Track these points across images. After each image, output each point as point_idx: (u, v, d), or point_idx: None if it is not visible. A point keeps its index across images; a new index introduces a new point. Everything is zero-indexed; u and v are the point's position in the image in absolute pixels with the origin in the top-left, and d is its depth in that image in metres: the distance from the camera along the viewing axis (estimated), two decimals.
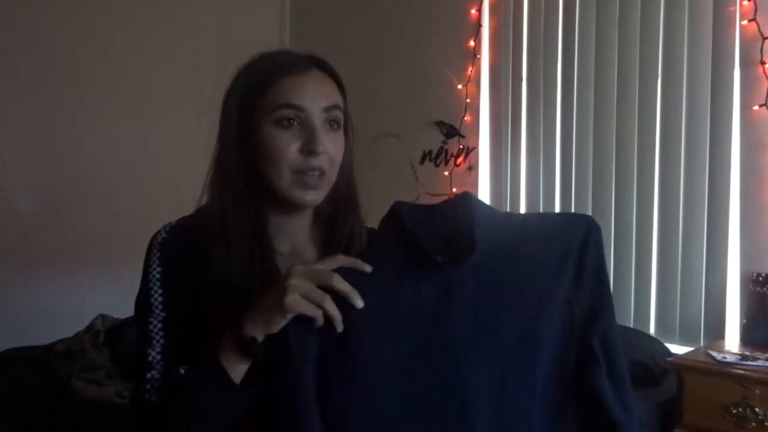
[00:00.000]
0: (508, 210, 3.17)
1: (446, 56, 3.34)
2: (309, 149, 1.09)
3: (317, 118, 1.11)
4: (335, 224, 1.21)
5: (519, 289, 0.96)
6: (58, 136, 3.15)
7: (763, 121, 2.52)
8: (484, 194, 3.29)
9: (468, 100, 3.28)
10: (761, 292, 2.49)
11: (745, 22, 2.54)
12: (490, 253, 0.96)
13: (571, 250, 0.98)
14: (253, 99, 1.12)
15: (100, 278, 3.13)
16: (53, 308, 2.99)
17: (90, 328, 2.65)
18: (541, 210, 3.07)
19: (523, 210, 3.14)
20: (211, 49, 3.53)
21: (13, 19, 3.01)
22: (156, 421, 1.02)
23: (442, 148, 3.37)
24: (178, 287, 1.08)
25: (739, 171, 2.58)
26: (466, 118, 3.30)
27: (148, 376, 1.05)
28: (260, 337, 0.96)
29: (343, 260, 0.98)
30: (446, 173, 3.34)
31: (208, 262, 1.07)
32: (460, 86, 3.30)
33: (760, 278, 2.50)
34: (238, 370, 0.98)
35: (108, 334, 2.60)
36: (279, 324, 0.94)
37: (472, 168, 3.29)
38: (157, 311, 1.08)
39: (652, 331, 2.76)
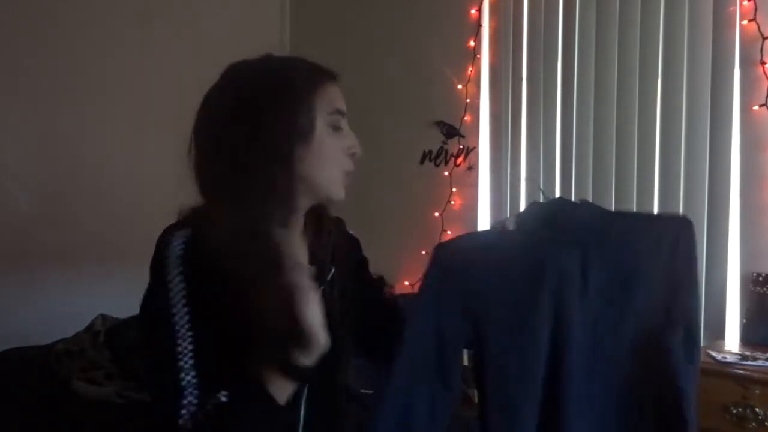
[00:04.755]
0: (508, 210, 3.18)
1: (446, 56, 3.34)
2: (354, 152, 1.18)
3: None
4: (320, 231, 1.24)
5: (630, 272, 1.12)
6: (58, 137, 3.15)
7: (763, 121, 2.52)
8: (484, 194, 3.29)
9: (468, 100, 3.29)
10: (761, 292, 2.49)
11: (745, 22, 2.54)
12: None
13: (667, 239, 1.14)
14: (308, 97, 1.13)
15: (100, 278, 3.13)
16: (53, 308, 2.99)
17: (90, 328, 2.65)
18: None
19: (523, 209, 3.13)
20: (211, 50, 3.52)
21: (14, 19, 3.01)
22: None
23: (442, 148, 3.37)
24: (207, 304, 1.04)
25: (739, 171, 2.58)
26: (466, 118, 3.30)
27: (184, 402, 1.01)
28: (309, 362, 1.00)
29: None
30: (446, 173, 3.34)
31: (237, 277, 1.02)
32: (460, 86, 3.30)
33: (760, 278, 2.50)
34: (285, 392, 1.02)
35: (108, 334, 2.60)
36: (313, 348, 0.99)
37: (472, 168, 3.29)
38: (183, 331, 1.04)
39: None
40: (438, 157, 3.38)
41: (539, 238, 1.13)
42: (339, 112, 1.16)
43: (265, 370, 1.01)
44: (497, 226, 1.22)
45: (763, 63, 2.50)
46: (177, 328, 1.04)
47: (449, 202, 3.33)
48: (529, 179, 3.06)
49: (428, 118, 3.39)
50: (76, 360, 2.48)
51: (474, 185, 3.29)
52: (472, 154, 3.29)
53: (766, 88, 2.50)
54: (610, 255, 1.11)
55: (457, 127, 3.31)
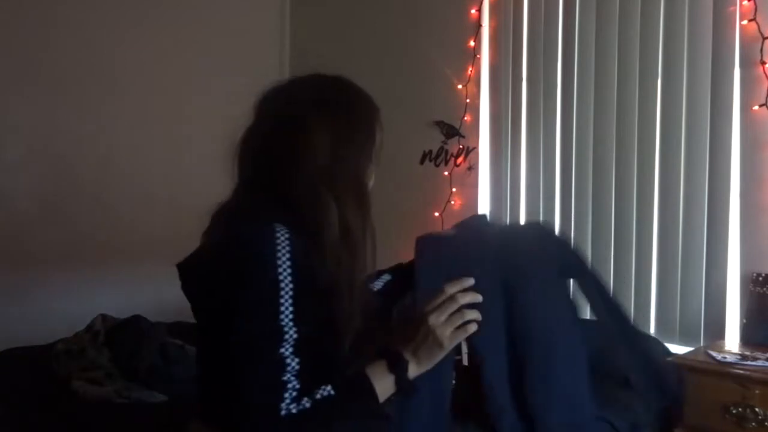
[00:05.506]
0: (508, 210, 3.18)
1: (446, 56, 3.34)
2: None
3: None
4: None
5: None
6: (58, 137, 3.15)
7: (763, 121, 2.52)
8: (484, 194, 3.28)
9: (468, 100, 3.28)
10: (761, 292, 2.49)
11: (745, 22, 2.54)
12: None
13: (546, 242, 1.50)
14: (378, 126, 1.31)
15: (100, 278, 3.13)
16: (53, 308, 2.99)
17: (90, 328, 2.65)
18: (541, 210, 3.07)
19: (523, 210, 3.14)
20: (211, 51, 3.53)
21: (15, 19, 3.01)
22: None
23: (442, 148, 3.37)
24: (307, 284, 1.14)
25: (739, 171, 2.58)
26: (466, 118, 3.30)
27: (284, 378, 1.09)
28: (415, 371, 1.18)
29: (451, 288, 1.20)
30: (446, 173, 3.34)
31: (338, 263, 1.17)
32: (460, 86, 3.30)
33: (760, 278, 2.50)
34: (384, 398, 1.17)
35: (108, 334, 2.60)
36: (439, 358, 1.19)
37: (472, 168, 3.29)
38: (287, 320, 1.11)
39: (652, 331, 2.75)
40: (438, 157, 3.37)
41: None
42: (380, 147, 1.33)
43: (375, 377, 1.15)
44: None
45: (763, 63, 2.50)
46: (282, 317, 1.11)
47: (449, 202, 3.33)
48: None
49: (428, 118, 3.38)
50: (76, 359, 2.48)
51: (474, 185, 3.29)
52: (472, 154, 3.29)
53: (766, 88, 2.50)
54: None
55: (457, 127, 3.31)
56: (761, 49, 2.50)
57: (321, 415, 1.10)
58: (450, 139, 3.34)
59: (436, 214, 3.34)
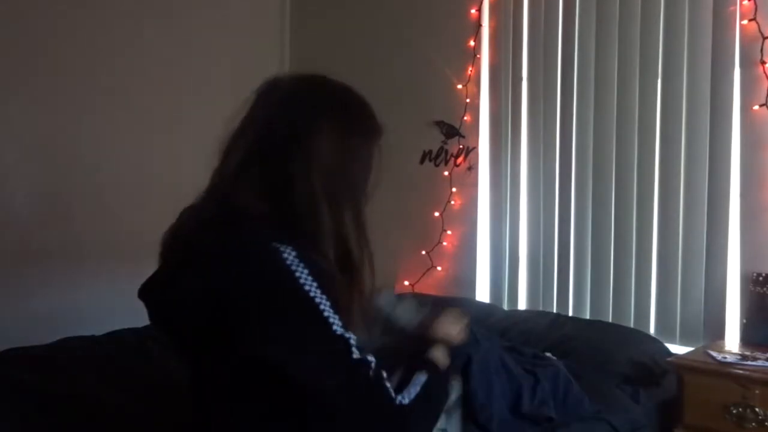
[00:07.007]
0: (508, 209, 3.18)
1: (446, 56, 3.33)
2: None
3: None
4: None
5: None
6: (58, 136, 3.14)
7: (763, 121, 2.52)
8: (484, 194, 3.28)
9: (468, 100, 3.28)
10: (761, 292, 2.49)
11: (745, 22, 2.54)
12: None
13: None
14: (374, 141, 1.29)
15: (100, 278, 3.12)
16: (53, 308, 2.99)
17: None
18: (541, 210, 3.07)
19: (523, 210, 3.14)
20: (211, 51, 3.53)
21: (14, 19, 3.00)
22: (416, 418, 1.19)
23: (442, 148, 3.36)
24: (333, 290, 1.14)
25: (739, 171, 2.58)
26: (466, 118, 3.29)
27: (373, 366, 1.13)
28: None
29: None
30: (446, 173, 3.34)
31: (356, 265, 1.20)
32: (460, 86, 3.30)
33: (760, 278, 2.50)
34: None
35: None
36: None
37: (472, 168, 3.28)
38: (331, 312, 1.11)
39: (652, 331, 2.75)
40: (438, 157, 3.37)
41: None
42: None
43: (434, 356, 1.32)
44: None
45: (763, 63, 2.50)
46: (335, 328, 1.11)
47: (449, 202, 3.33)
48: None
49: (428, 118, 3.38)
50: None
51: (474, 185, 3.29)
52: (472, 154, 3.29)
53: (766, 88, 2.50)
54: None
55: (457, 127, 3.31)
56: (761, 49, 2.50)
57: (428, 405, 1.24)
58: (450, 139, 3.34)
59: (436, 214, 3.34)
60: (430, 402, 1.24)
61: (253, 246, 1.12)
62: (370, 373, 1.11)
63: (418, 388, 1.20)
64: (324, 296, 1.09)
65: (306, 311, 1.09)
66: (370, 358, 1.13)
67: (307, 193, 1.15)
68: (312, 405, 1.12)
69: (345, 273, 1.16)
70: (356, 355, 1.10)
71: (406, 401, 1.16)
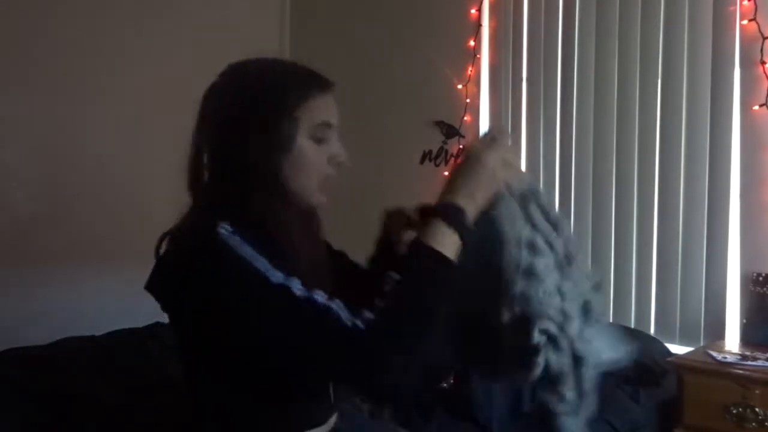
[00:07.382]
0: None
1: (446, 56, 3.33)
2: (339, 161, 1.24)
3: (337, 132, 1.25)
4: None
5: None
6: (58, 136, 3.14)
7: (763, 121, 2.52)
8: None
9: (468, 100, 3.28)
10: (761, 292, 2.49)
11: (745, 22, 2.54)
12: None
13: None
14: (292, 110, 1.20)
15: (101, 278, 3.12)
16: (53, 308, 2.98)
17: None
18: None
19: None
20: (211, 51, 3.52)
21: (14, 19, 3.00)
22: (393, 324, 1.08)
23: (442, 148, 3.36)
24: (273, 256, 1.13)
25: (739, 171, 2.58)
26: (466, 118, 3.29)
27: (322, 304, 1.08)
28: (474, 212, 1.16)
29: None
30: (446, 173, 3.34)
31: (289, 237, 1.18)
32: (460, 86, 3.29)
33: (760, 278, 2.50)
34: (452, 248, 1.13)
35: None
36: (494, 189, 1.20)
37: None
38: (268, 266, 1.10)
39: (652, 331, 2.75)
40: (438, 157, 3.37)
41: None
42: (325, 124, 1.22)
43: (426, 234, 1.16)
44: None
45: (763, 63, 2.50)
46: (272, 279, 1.09)
47: None
48: None
49: (428, 118, 3.38)
50: None
51: None
52: None
53: (766, 88, 2.50)
54: None
55: (457, 127, 3.31)
56: (761, 49, 2.50)
57: (400, 309, 1.08)
58: (450, 139, 3.34)
59: None
60: (403, 306, 1.09)
61: (197, 232, 1.18)
62: (317, 306, 1.08)
63: (379, 307, 1.08)
64: (262, 256, 1.10)
65: (243, 280, 1.11)
66: (316, 294, 1.09)
67: (232, 181, 1.21)
68: (281, 364, 1.13)
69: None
70: (300, 293, 1.08)
71: (360, 323, 1.06)
